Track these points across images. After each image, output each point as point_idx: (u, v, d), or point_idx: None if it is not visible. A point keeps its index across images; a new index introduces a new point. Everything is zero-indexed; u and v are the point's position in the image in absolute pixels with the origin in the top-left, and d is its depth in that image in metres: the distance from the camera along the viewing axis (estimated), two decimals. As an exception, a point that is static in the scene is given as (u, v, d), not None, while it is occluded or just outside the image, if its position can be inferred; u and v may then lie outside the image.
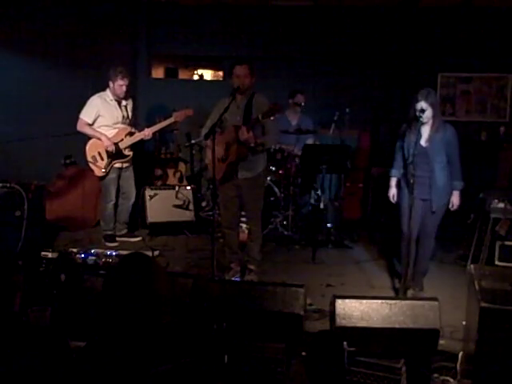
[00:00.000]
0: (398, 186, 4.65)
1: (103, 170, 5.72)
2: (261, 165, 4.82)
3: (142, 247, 5.67)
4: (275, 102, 4.51)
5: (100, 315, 3.13)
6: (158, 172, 6.94)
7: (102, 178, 5.79)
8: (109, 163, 5.72)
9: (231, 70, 4.65)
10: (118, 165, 5.78)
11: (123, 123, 5.77)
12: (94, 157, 5.70)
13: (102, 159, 5.71)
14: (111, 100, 5.69)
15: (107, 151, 5.67)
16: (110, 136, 5.69)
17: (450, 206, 4.46)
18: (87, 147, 5.71)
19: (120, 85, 5.62)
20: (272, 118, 4.50)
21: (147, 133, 5.76)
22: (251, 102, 4.65)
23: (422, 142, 4.36)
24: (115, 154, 5.71)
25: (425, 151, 4.36)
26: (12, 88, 5.94)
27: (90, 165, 5.73)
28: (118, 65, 5.77)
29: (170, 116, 5.85)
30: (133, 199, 5.99)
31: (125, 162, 5.82)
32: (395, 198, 4.68)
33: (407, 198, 4.37)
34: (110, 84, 5.65)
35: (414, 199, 4.22)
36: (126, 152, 5.77)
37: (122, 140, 5.74)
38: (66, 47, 6.61)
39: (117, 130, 5.73)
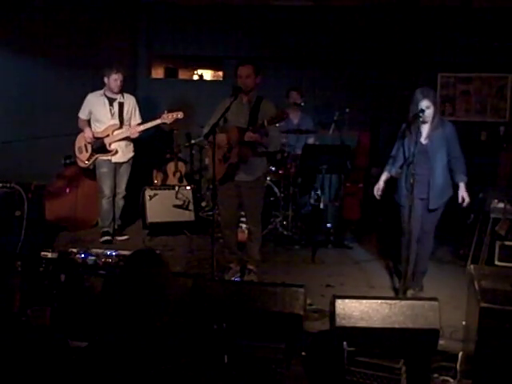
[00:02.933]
0: (387, 183, 4.67)
1: (86, 162, 5.94)
2: (260, 169, 4.82)
3: (141, 247, 5.68)
4: (282, 109, 4.54)
5: (102, 315, 3.14)
6: (157, 170, 6.94)
7: (96, 174, 5.95)
8: (91, 156, 5.90)
9: (235, 72, 4.65)
10: (104, 158, 5.88)
11: (113, 119, 5.86)
12: (80, 148, 5.95)
13: (87, 151, 5.92)
14: (101, 95, 5.84)
15: (90, 144, 5.85)
16: (98, 131, 5.83)
17: (460, 200, 4.40)
18: (77, 138, 5.97)
19: (115, 79, 5.76)
20: (277, 125, 4.53)
21: (133, 131, 5.87)
22: (258, 107, 4.64)
23: (422, 140, 4.38)
24: (98, 148, 5.87)
25: (425, 149, 4.37)
26: (12, 88, 5.94)
27: (76, 156, 6.00)
28: (115, 61, 5.99)
29: (159, 117, 5.86)
30: (121, 195, 6.05)
31: (110, 155, 5.87)
32: (379, 192, 4.66)
33: (407, 197, 4.38)
34: (106, 80, 5.80)
35: (413, 199, 4.23)
36: (111, 147, 5.86)
37: (108, 136, 5.85)
38: (65, 47, 6.60)
39: (105, 125, 5.85)
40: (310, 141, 6.55)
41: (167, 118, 5.83)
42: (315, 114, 6.95)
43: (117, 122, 5.85)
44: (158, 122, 5.87)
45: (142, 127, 5.88)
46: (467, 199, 4.40)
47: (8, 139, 5.70)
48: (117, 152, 5.89)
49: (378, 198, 4.68)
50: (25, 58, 6.13)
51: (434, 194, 4.42)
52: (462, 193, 4.40)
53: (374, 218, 7.01)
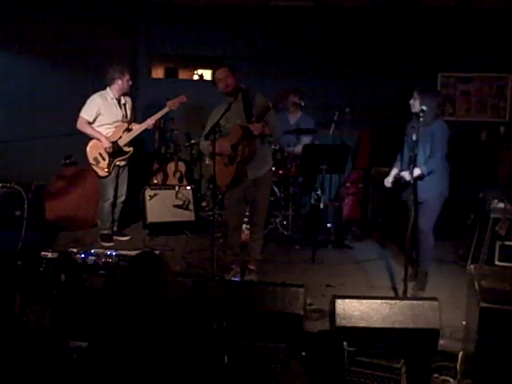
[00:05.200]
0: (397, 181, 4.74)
1: (106, 170, 5.76)
2: (267, 164, 4.84)
3: (141, 247, 5.68)
4: (283, 89, 4.60)
5: (102, 315, 3.14)
6: (156, 169, 6.94)
7: (102, 177, 5.81)
8: (111, 162, 5.77)
9: (213, 79, 4.73)
10: (118, 163, 5.82)
11: (123, 122, 5.81)
12: (95, 158, 5.73)
13: (104, 159, 5.74)
14: (112, 99, 5.74)
15: (107, 151, 5.70)
16: (108, 135, 5.72)
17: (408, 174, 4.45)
18: (88, 149, 5.74)
19: (127, 80, 5.73)
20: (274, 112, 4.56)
21: (150, 122, 5.82)
22: (248, 102, 4.65)
23: (414, 137, 4.41)
24: (116, 153, 5.75)
25: (414, 145, 4.40)
26: (12, 88, 5.93)
27: (93, 167, 5.76)
28: (119, 63, 5.85)
29: (165, 106, 5.91)
30: (123, 197, 6.02)
31: (125, 159, 5.85)
32: (389, 184, 4.76)
33: (409, 196, 4.44)
34: (118, 82, 5.69)
35: (414, 200, 4.26)
36: (126, 149, 5.82)
37: (121, 137, 5.77)
38: (66, 47, 6.60)
39: (114, 128, 5.77)
40: (306, 140, 6.52)
41: (173, 104, 5.88)
42: (315, 114, 6.94)
43: (124, 123, 5.82)
44: (166, 110, 5.91)
45: (155, 117, 5.87)
46: (404, 178, 4.45)
47: (8, 139, 5.70)
48: (132, 151, 5.84)
49: (387, 186, 4.78)
50: (24, 57, 6.13)
51: (420, 188, 4.41)
52: (413, 171, 4.36)
53: (374, 217, 7.00)
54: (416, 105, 4.43)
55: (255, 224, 4.92)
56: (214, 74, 4.74)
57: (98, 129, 5.71)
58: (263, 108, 4.48)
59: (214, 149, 4.23)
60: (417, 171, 4.37)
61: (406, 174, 4.46)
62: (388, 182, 4.78)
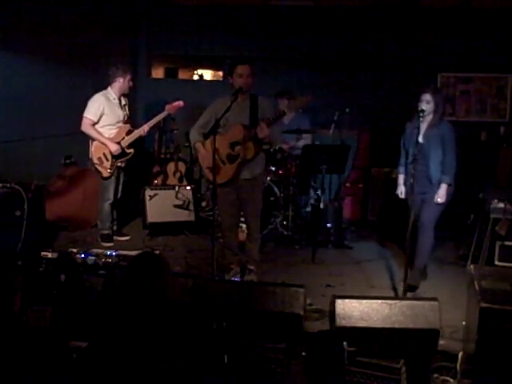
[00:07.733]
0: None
1: (109, 171, 5.76)
2: (260, 166, 4.82)
3: (141, 247, 5.68)
4: (306, 95, 4.62)
5: (102, 315, 3.14)
6: (157, 170, 6.94)
7: (104, 178, 5.80)
8: (113, 163, 5.77)
9: (231, 70, 4.63)
10: (119, 164, 5.83)
11: (124, 122, 5.82)
12: (99, 158, 5.73)
13: (108, 160, 5.74)
14: (114, 99, 5.73)
15: (110, 151, 5.70)
16: (111, 136, 5.72)
17: (436, 198, 4.50)
18: (93, 149, 5.72)
19: (129, 80, 5.75)
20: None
21: (145, 129, 5.83)
22: (256, 105, 4.63)
23: (420, 139, 4.44)
24: (118, 154, 5.76)
25: (422, 147, 4.42)
26: (12, 88, 5.94)
27: (97, 166, 5.75)
28: (121, 62, 5.88)
29: (163, 110, 5.95)
30: (118, 195, 6.02)
31: (125, 160, 5.86)
32: (403, 195, 4.79)
33: (408, 194, 4.49)
34: (120, 80, 5.69)
35: (413, 199, 4.26)
36: (128, 150, 5.83)
37: (124, 139, 5.78)
38: (65, 47, 6.60)
39: (118, 129, 5.76)
40: (306, 138, 6.53)
41: (171, 108, 5.95)
42: (315, 114, 6.94)
43: (127, 124, 5.83)
44: (164, 114, 5.95)
45: (151, 123, 5.88)
46: (441, 199, 4.49)
47: (8, 139, 5.70)
48: (133, 153, 5.85)
49: (403, 198, 4.82)
50: (24, 58, 6.13)
51: (432, 188, 4.51)
52: (439, 192, 4.49)
53: (374, 217, 7.00)
54: (423, 98, 4.44)
55: (250, 225, 4.90)
56: (234, 66, 4.61)
57: (100, 129, 5.69)
58: (277, 114, 4.49)
59: (214, 149, 4.22)
60: (443, 187, 4.46)
61: (441, 195, 4.49)
62: (402, 193, 4.82)
